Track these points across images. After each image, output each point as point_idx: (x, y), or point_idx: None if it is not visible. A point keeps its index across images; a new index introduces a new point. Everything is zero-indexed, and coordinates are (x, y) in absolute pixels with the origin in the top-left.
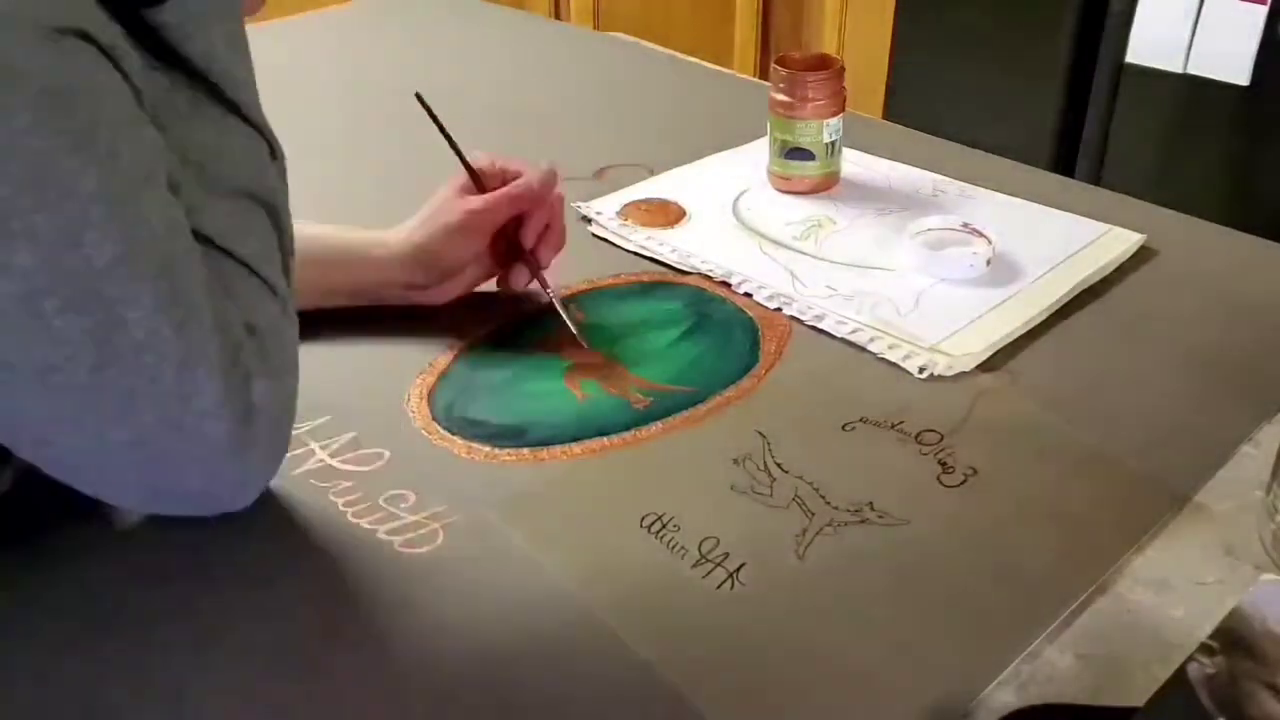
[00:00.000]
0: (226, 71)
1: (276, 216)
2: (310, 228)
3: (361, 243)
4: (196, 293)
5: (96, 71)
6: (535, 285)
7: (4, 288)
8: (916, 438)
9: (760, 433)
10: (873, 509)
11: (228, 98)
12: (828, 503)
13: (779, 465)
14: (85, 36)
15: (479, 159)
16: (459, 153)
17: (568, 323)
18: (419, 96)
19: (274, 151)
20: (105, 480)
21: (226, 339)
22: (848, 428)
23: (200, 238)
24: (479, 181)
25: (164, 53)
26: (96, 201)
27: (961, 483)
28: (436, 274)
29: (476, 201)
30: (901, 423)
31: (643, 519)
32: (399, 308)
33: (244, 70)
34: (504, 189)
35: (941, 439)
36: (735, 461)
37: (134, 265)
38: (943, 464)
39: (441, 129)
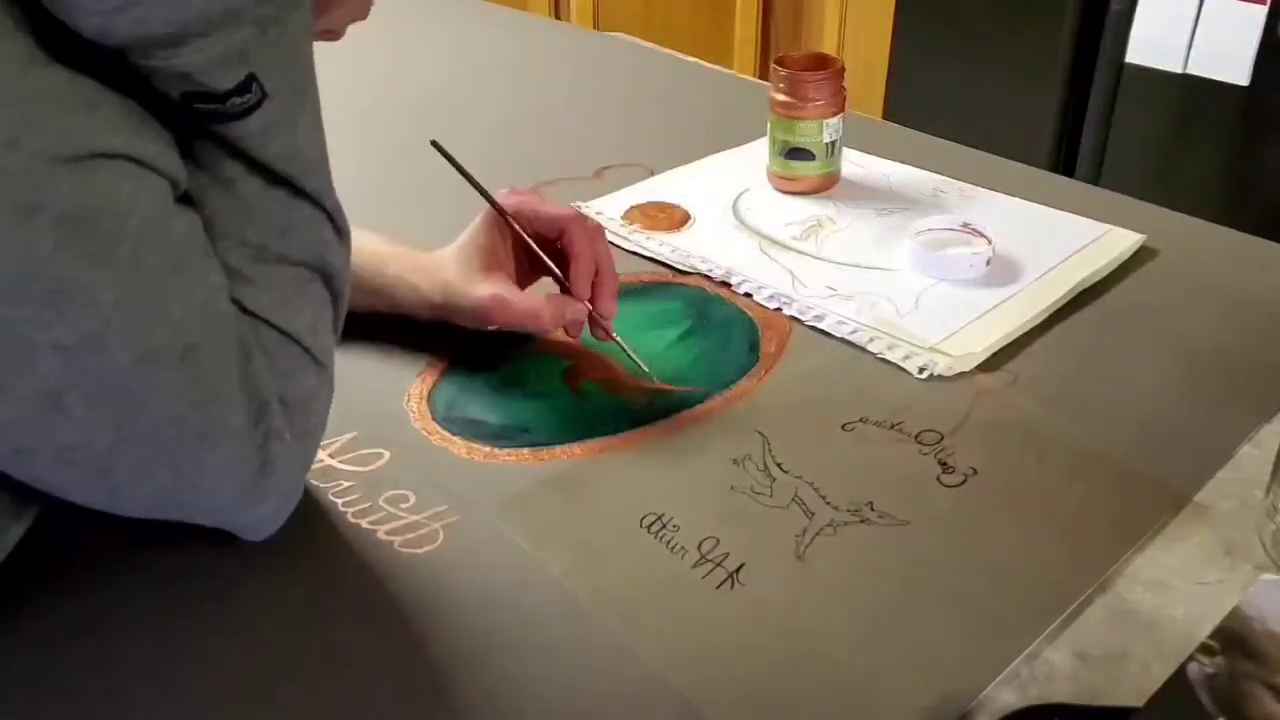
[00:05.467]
0: (306, 162)
1: (333, 285)
2: (369, 247)
3: (395, 280)
4: (222, 368)
5: (118, 188)
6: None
7: (26, 387)
8: (916, 438)
9: (760, 433)
10: (873, 509)
11: (300, 187)
12: (828, 503)
13: (779, 465)
14: (107, 155)
15: (506, 199)
16: (486, 195)
17: (638, 363)
18: (435, 144)
19: (339, 231)
20: (120, 511)
21: (252, 402)
22: (848, 428)
23: (247, 311)
24: (507, 222)
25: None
26: (117, 310)
27: (961, 483)
28: (462, 319)
29: (499, 301)
30: (901, 423)
31: (643, 519)
32: None
33: (321, 147)
34: (529, 310)
35: (941, 439)
36: (735, 461)
37: (156, 360)
38: (943, 464)
39: (462, 172)
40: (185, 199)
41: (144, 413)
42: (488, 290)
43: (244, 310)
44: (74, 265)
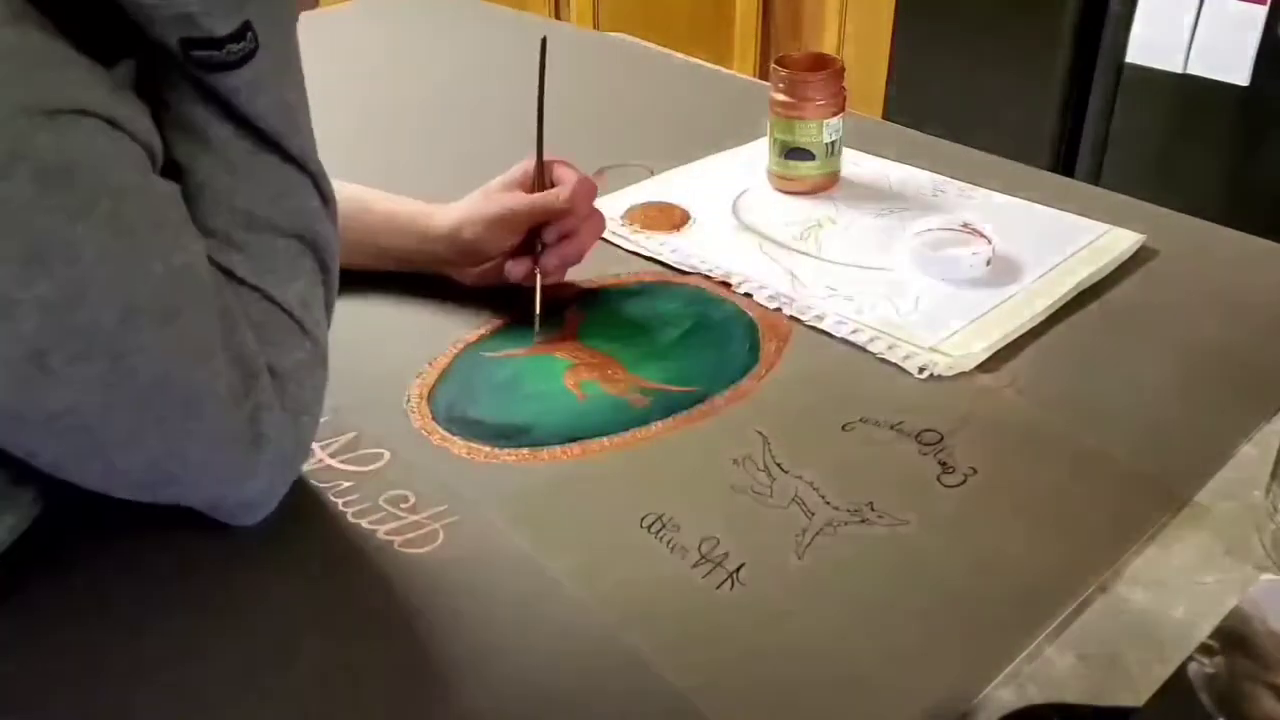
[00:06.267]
0: (292, 119)
1: (323, 258)
2: (370, 193)
3: (411, 214)
4: (206, 332)
5: (95, 143)
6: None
7: (10, 349)
8: (916, 438)
9: (760, 433)
10: (873, 509)
11: (287, 149)
12: (828, 503)
13: (779, 465)
14: (84, 112)
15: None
16: (540, 131)
17: (535, 317)
18: (544, 42)
19: (325, 198)
20: (112, 490)
21: (239, 371)
22: (848, 428)
23: (236, 279)
24: (540, 168)
25: (228, 106)
26: (98, 265)
27: (961, 483)
28: (471, 258)
29: (516, 202)
30: (901, 423)
31: (643, 519)
32: (396, 305)
33: (304, 107)
34: (541, 197)
35: (941, 439)
36: (735, 461)
37: (139, 318)
38: (943, 464)
39: (540, 99)
40: (168, 170)
41: (130, 374)
42: (499, 204)
43: (233, 278)
44: (54, 219)
